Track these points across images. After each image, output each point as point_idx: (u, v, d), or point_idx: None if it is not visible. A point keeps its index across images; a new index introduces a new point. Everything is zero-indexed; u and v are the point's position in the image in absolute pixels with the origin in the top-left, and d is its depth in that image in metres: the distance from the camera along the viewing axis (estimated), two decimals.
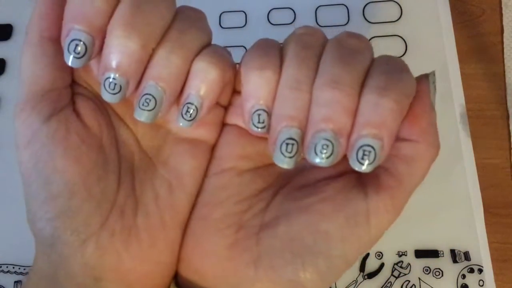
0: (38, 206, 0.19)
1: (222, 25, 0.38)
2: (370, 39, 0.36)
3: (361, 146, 0.18)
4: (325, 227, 0.19)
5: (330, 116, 0.18)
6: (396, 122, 0.18)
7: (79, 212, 0.19)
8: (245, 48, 0.36)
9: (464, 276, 0.30)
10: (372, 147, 0.18)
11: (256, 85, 0.19)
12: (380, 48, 0.36)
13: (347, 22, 0.37)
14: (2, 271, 0.32)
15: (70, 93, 0.21)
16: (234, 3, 0.38)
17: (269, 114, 0.19)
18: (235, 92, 0.22)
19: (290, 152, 0.19)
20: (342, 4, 0.37)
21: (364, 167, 0.18)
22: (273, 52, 0.20)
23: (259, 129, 0.20)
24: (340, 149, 0.18)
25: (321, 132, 0.18)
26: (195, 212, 0.21)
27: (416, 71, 0.37)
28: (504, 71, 0.35)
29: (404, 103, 0.18)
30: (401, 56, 0.35)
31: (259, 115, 0.20)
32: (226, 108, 0.23)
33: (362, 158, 0.18)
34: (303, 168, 0.22)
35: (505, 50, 0.35)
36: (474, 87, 0.34)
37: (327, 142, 0.18)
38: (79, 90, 0.21)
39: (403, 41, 0.36)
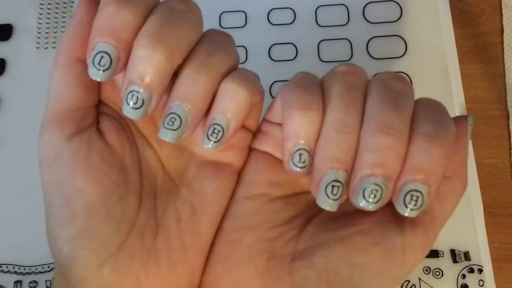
0: (57, 226, 0.19)
1: (222, 25, 0.38)
2: (370, 39, 0.36)
3: (409, 191, 0.18)
4: (362, 261, 0.19)
5: (381, 161, 0.18)
6: (443, 169, 0.18)
7: (97, 233, 0.19)
8: (245, 48, 0.37)
9: (464, 276, 0.30)
10: (421, 192, 0.18)
11: (299, 125, 0.19)
12: (380, 48, 0.36)
13: (347, 22, 0.37)
14: (2, 271, 0.32)
15: (95, 113, 0.21)
16: (234, 3, 0.38)
17: (310, 154, 0.19)
18: (268, 121, 0.22)
19: (335, 195, 0.18)
20: (342, 4, 0.37)
21: (411, 212, 0.18)
22: (315, 90, 0.20)
23: (299, 169, 0.19)
24: (388, 194, 0.18)
25: (371, 176, 0.18)
26: (224, 237, 0.21)
27: (416, 71, 0.37)
28: (504, 71, 0.35)
29: (450, 149, 0.18)
30: (401, 56, 0.35)
31: (300, 154, 0.19)
32: (254, 134, 0.22)
33: (409, 203, 0.18)
34: None
35: (505, 50, 0.35)
36: (474, 87, 0.34)
37: (377, 187, 0.18)
38: (105, 110, 0.21)
39: (403, 41, 0.36)
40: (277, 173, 0.22)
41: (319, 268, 0.19)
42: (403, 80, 0.20)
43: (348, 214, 0.21)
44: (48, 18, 0.38)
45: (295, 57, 0.36)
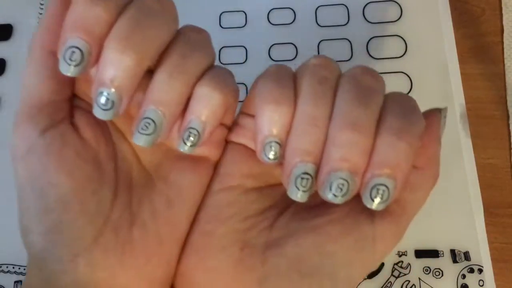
0: (30, 220, 0.19)
1: (222, 25, 0.38)
2: (370, 39, 0.36)
3: (375, 185, 0.18)
4: (332, 249, 0.19)
5: (347, 156, 0.18)
6: (409, 163, 0.19)
7: (71, 227, 0.19)
8: (245, 48, 0.37)
9: (464, 276, 0.30)
10: (386, 186, 0.18)
11: (270, 118, 0.19)
12: (380, 48, 0.36)
13: (347, 22, 0.37)
14: (2, 271, 0.32)
15: (69, 106, 0.21)
16: (234, 3, 0.38)
17: (281, 146, 0.20)
18: (244, 113, 0.22)
19: (304, 186, 0.19)
20: (342, 4, 0.37)
21: (377, 205, 0.18)
22: (287, 83, 0.20)
23: (271, 160, 0.20)
24: (355, 188, 0.19)
25: (338, 171, 0.18)
26: (199, 228, 0.21)
27: (416, 71, 0.37)
28: (504, 71, 0.35)
29: (417, 144, 0.19)
30: (401, 56, 0.35)
31: (271, 146, 0.20)
32: (231, 127, 0.23)
33: (376, 197, 0.18)
34: None
35: (505, 50, 0.35)
36: (474, 87, 0.34)
37: (343, 182, 0.18)
38: (79, 104, 0.21)
39: (403, 41, 0.36)
40: (252, 165, 0.22)
41: (291, 256, 0.19)
42: (373, 75, 0.20)
43: (321, 204, 0.21)
44: None
45: (295, 57, 0.36)
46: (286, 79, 0.20)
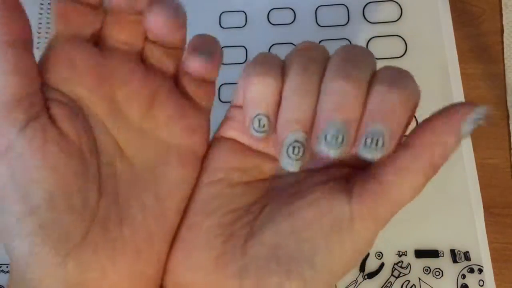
0: (14, 222, 0.18)
1: (222, 25, 0.38)
2: (370, 39, 0.36)
3: (369, 132, 0.18)
4: (309, 234, 0.19)
5: (341, 104, 0.18)
6: (404, 115, 0.18)
7: (58, 226, 0.18)
8: (245, 48, 0.37)
9: (464, 276, 0.30)
10: (381, 134, 0.18)
11: (256, 91, 0.19)
12: (380, 48, 0.36)
13: (347, 22, 0.37)
14: (2, 271, 0.32)
15: (42, 99, 0.19)
16: (234, 3, 0.38)
17: (270, 120, 0.20)
18: (234, 106, 0.22)
19: (296, 154, 0.19)
20: (342, 4, 0.37)
21: (373, 154, 0.18)
22: (274, 61, 0.20)
23: (259, 133, 0.20)
24: (350, 139, 0.18)
25: (332, 120, 0.18)
26: (186, 221, 0.21)
27: (416, 71, 0.37)
28: (504, 71, 0.35)
29: (410, 102, 0.18)
30: (401, 56, 0.35)
31: (259, 120, 0.20)
32: (221, 122, 0.23)
33: (371, 144, 0.18)
34: (295, 181, 0.21)
35: (505, 50, 0.35)
36: (474, 87, 0.34)
37: (338, 131, 0.18)
38: (52, 95, 0.20)
39: (403, 41, 0.36)
40: (240, 159, 0.22)
41: (269, 244, 0.19)
42: (362, 47, 0.20)
43: (301, 191, 0.21)
44: (48, 18, 0.38)
45: None
46: (272, 59, 0.20)
